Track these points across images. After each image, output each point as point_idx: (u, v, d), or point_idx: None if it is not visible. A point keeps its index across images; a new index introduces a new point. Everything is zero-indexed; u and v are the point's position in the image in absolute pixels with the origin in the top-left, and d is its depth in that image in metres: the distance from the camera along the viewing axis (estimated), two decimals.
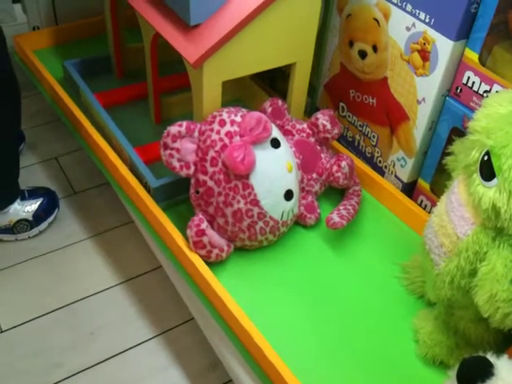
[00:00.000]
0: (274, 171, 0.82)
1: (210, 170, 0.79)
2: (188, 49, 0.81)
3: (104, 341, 0.98)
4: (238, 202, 0.80)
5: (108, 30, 1.11)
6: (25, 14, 1.27)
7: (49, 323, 1.00)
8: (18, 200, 1.07)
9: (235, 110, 0.83)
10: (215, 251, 0.80)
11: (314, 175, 0.90)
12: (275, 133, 0.84)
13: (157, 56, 0.98)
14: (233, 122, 0.80)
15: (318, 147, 0.92)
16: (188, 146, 0.80)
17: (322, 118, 0.92)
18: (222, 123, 0.80)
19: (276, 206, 0.82)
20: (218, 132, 0.79)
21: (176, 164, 0.80)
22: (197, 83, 0.85)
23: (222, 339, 0.80)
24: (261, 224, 0.82)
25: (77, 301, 1.04)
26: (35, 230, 1.11)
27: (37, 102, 1.36)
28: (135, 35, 1.02)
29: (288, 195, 0.84)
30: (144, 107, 1.08)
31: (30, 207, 1.08)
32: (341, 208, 0.89)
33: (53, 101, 1.14)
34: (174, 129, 0.79)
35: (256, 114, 0.81)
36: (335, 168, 0.89)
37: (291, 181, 0.84)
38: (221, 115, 0.81)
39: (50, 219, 1.13)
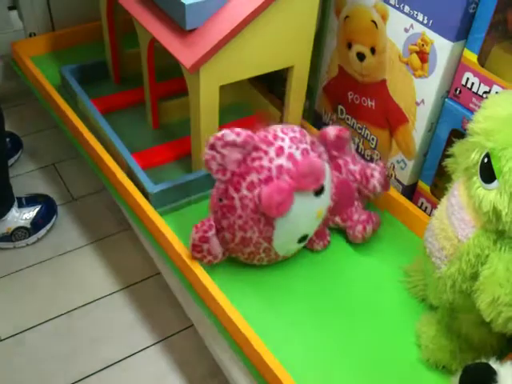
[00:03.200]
0: (303, 218, 0.78)
1: (243, 191, 0.74)
2: (184, 53, 0.80)
3: (103, 348, 0.97)
4: (253, 232, 0.76)
5: (105, 36, 1.11)
6: (21, 21, 1.26)
7: (48, 331, 0.99)
8: (16, 207, 1.07)
9: (300, 138, 0.76)
10: (209, 257, 0.79)
11: (337, 219, 0.87)
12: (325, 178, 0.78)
13: (154, 61, 0.98)
14: (290, 157, 0.74)
15: (356, 194, 0.87)
16: (234, 156, 0.74)
17: (377, 180, 0.85)
18: (279, 152, 0.73)
19: (285, 246, 0.81)
20: (271, 160, 0.73)
21: (214, 167, 0.74)
22: (194, 88, 0.84)
23: (221, 346, 0.79)
24: (263, 255, 0.80)
25: (76, 308, 1.03)
26: (33, 238, 1.10)
27: (34, 109, 1.36)
28: (132, 41, 1.01)
29: (303, 239, 0.81)
30: (141, 113, 1.08)
31: (28, 214, 1.08)
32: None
33: (50, 107, 1.13)
34: (229, 136, 0.72)
35: (315, 161, 0.74)
36: (359, 228, 0.85)
37: (314, 227, 0.82)
38: (283, 140, 0.75)
39: (49, 226, 1.12)
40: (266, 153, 0.74)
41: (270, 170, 0.73)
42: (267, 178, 0.73)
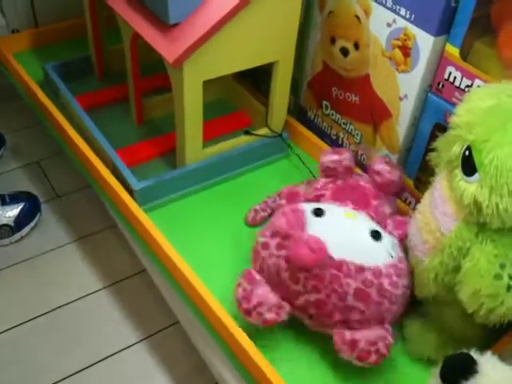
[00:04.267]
0: None
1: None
2: (167, 48, 0.80)
3: (89, 346, 0.97)
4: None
5: (88, 32, 1.10)
6: (3, 17, 1.25)
7: (33, 329, 0.98)
8: None
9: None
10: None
11: None
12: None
13: (137, 57, 0.97)
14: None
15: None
16: None
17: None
18: None
19: None
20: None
21: None
22: (177, 83, 0.84)
23: (207, 342, 0.79)
24: None
25: (61, 306, 1.02)
26: (17, 236, 1.10)
27: (17, 106, 1.35)
28: (116, 37, 1.00)
29: None
30: (125, 109, 1.07)
31: (11, 212, 1.07)
32: None
33: (33, 104, 1.12)
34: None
35: None
36: None
37: None
38: None
39: (32, 224, 1.11)
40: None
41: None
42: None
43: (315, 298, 0.69)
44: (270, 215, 0.86)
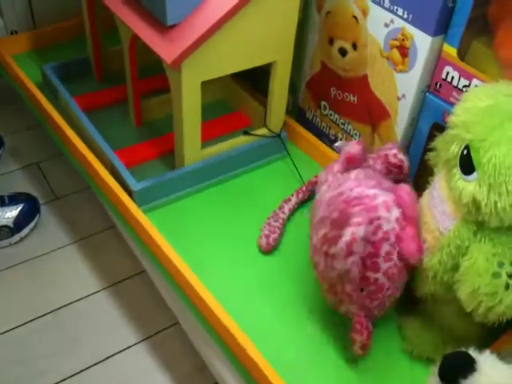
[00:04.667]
0: None
1: (384, 266, 0.68)
2: (165, 49, 0.80)
3: (89, 346, 0.97)
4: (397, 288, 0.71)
5: (86, 33, 1.10)
6: (2, 19, 1.25)
7: (33, 330, 0.98)
8: None
9: (375, 180, 0.71)
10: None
11: None
12: None
13: (136, 58, 0.97)
14: (388, 204, 0.67)
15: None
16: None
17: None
18: (383, 207, 0.67)
19: None
20: (388, 220, 0.67)
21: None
22: (176, 84, 0.84)
23: (207, 343, 0.79)
24: None
25: (61, 307, 1.02)
26: (17, 237, 1.10)
27: (16, 107, 1.35)
28: (115, 38, 1.01)
29: None
30: (124, 110, 1.07)
31: (10, 213, 1.07)
32: None
33: (32, 105, 1.12)
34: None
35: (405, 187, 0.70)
36: None
37: None
38: (374, 197, 0.67)
39: (32, 225, 1.11)
40: (379, 218, 0.67)
41: (394, 229, 0.67)
42: (397, 236, 0.67)
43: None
44: (281, 234, 0.86)
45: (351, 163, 0.76)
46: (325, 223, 0.68)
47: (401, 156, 0.78)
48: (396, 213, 0.67)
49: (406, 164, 0.79)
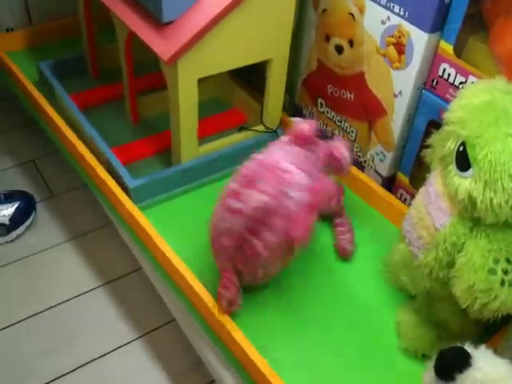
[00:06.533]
0: None
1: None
2: (162, 46, 0.80)
3: (85, 344, 0.97)
4: (275, 266, 0.75)
5: (82, 30, 1.10)
6: None
7: (29, 328, 0.98)
8: None
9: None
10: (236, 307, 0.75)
11: None
12: None
13: (132, 55, 0.97)
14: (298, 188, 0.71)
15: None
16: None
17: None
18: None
19: None
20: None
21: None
22: (172, 81, 0.84)
23: (203, 339, 0.79)
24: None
25: (57, 304, 1.02)
26: (13, 235, 1.09)
27: (12, 105, 1.34)
28: (111, 35, 1.00)
29: None
30: (121, 107, 1.07)
31: (6, 211, 1.07)
32: (343, 230, 0.87)
33: (28, 103, 1.12)
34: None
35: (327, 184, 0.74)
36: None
37: None
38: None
39: (28, 223, 1.11)
40: (283, 192, 0.69)
41: (290, 208, 0.69)
42: (291, 215, 0.69)
43: None
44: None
45: (298, 141, 0.78)
46: (239, 179, 0.71)
47: (343, 152, 0.80)
48: (300, 195, 0.69)
49: (345, 161, 0.80)
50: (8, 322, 0.99)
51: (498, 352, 0.55)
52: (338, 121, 0.99)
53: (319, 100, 1.02)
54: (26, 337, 0.97)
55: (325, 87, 0.99)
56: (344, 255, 0.85)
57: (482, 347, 0.53)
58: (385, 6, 0.81)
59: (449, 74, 0.77)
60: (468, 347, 0.52)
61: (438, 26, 0.76)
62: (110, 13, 0.92)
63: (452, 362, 0.51)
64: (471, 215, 0.60)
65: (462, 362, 0.51)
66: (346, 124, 0.98)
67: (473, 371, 0.50)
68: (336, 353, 0.74)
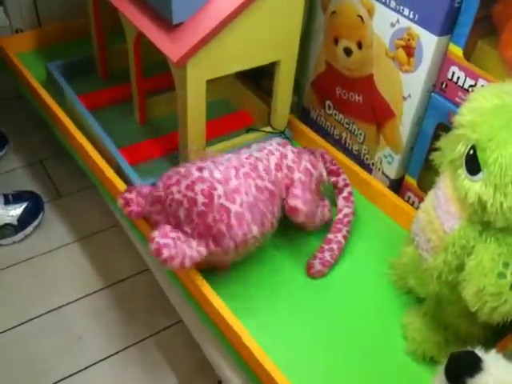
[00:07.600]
0: None
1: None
2: (171, 47, 0.80)
3: (92, 345, 0.97)
4: None
5: (92, 32, 1.10)
6: (7, 17, 1.26)
7: (35, 329, 0.99)
8: (2, 204, 1.06)
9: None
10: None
11: None
12: None
13: (140, 56, 0.98)
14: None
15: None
16: None
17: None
18: None
19: None
20: None
21: None
22: (181, 82, 0.84)
23: (210, 341, 0.79)
24: None
25: (64, 305, 1.02)
26: (21, 235, 1.10)
27: (21, 105, 1.35)
28: (120, 36, 1.01)
29: None
30: (129, 108, 1.07)
31: (14, 211, 1.07)
32: (325, 248, 0.84)
33: (37, 104, 1.13)
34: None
35: None
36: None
37: None
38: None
39: (35, 223, 1.11)
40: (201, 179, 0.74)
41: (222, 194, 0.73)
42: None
43: None
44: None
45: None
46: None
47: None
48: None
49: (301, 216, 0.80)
50: (15, 322, 0.99)
51: (506, 356, 0.55)
52: (346, 123, 0.99)
53: (327, 102, 1.02)
54: (33, 337, 0.97)
55: (333, 89, 0.99)
56: (308, 273, 0.82)
57: (493, 351, 0.53)
58: (394, 9, 0.81)
59: (458, 77, 0.77)
60: (479, 351, 0.52)
61: (447, 29, 0.76)
62: (119, 14, 0.93)
63: (463, 366, 0.51)
64: (481, 219, 0.60)
65: (473, 366, 0.50)
66: (354, 126, 0.98)
67: (484, 376, 0.50)
68: (343, 357, 0.74)
